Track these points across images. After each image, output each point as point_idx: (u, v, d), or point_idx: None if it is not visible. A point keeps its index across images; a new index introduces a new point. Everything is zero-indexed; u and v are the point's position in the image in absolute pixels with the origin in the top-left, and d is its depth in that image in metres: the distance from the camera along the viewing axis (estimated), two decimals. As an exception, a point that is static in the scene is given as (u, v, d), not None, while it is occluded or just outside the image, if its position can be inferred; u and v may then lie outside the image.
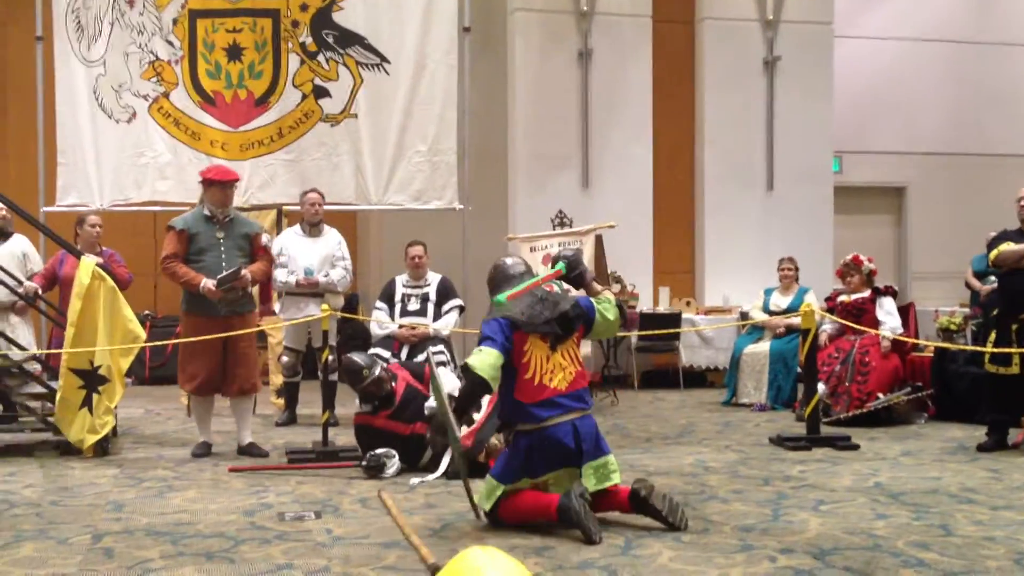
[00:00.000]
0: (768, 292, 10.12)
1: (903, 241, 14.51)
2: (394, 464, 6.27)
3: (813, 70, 12.31)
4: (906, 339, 8.99)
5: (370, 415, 6.53)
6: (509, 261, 5.45)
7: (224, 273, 6.81)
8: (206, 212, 7.04)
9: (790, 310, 9.64)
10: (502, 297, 4.94)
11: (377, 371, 6.47)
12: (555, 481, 4.96)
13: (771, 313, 9.86)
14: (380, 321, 8.50)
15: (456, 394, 6.10)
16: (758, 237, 11.94)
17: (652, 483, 4.95)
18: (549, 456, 4.92)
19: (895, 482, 6.03)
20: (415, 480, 6.09)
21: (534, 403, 4.94)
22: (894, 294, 9.09)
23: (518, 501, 4.93)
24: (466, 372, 4.95)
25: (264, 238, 7.45)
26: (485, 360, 4.88)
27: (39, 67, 9.90)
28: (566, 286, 5.37)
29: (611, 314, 5.24)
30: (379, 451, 6.30)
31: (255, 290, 7.23)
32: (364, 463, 6.25)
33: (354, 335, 11.45)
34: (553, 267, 5.28)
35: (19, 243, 8.66)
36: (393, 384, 6.54)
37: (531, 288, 5.06)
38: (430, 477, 6.13)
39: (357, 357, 6.56)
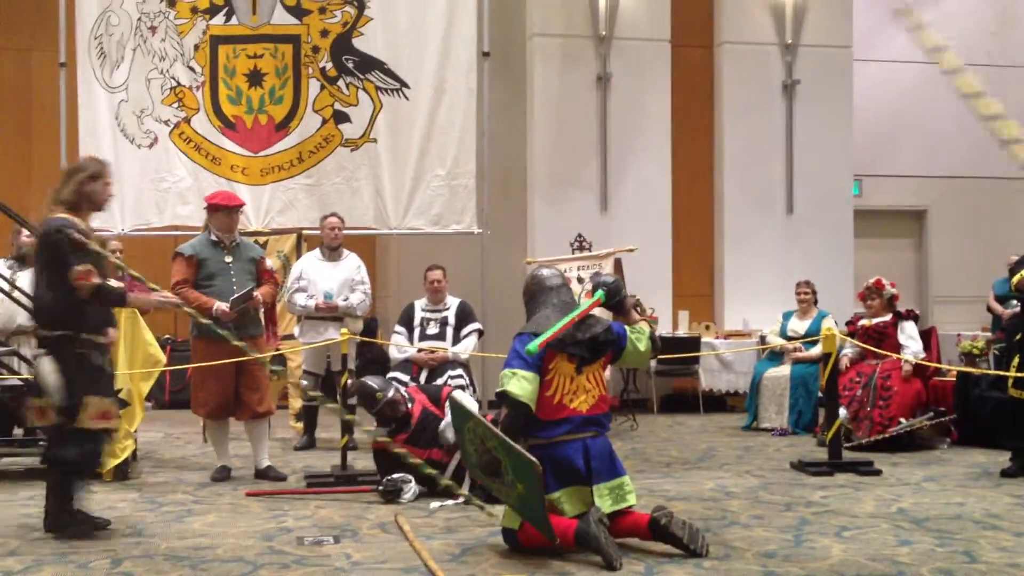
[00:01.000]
0: (786, 316, 10.08)
1: (924, 265, 14.42)
2: (411, 489, 6.25)
3: (832, 94, 12.30)
4: (928, 363, 8.92)
5: (387, 440, 6.52)
6: (546, 272, 5.38)
7: (237, 294, 6.84)
8: (213, 237, 7.09)
9: (808, 335, 9.60)
10: (533, 346, 4.84)
11: (391, 393, 6.47)
12: (566, 499, 4.89)
13: (788, 338, 9.82)
14: (399, 345, 8.50)
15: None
16: (778, 261, 11.90)
17: (671, 510, 4.91)
18: (558, 472, 4.87)
19: (918, 508, 5.97)
20: (435, 504, 6.07)
21: (549, 420, 4.91)
22: (916, 318, 9.03)
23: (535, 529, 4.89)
24: (505, 400, 4.90)
25: (268, 262, 7.49)
26: (524, 386, 4.85)
27: (62, 93, 10.00)
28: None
29: (642, 345, 5.18)
30: (396, 476, 6.28)
31: (260, 314, 7.26)
32: (380, 487, 6.24)
33: (373, 359, 11.46)
34: (592, 295, 5.21)
35: (42, 268, 8.72)
36: (409, 407, 6.53)
37: (566, 327, 4.95)
38: (450, 502, 6.11)
39: (371, 380, 6.56)
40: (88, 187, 5.48)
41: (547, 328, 4.94)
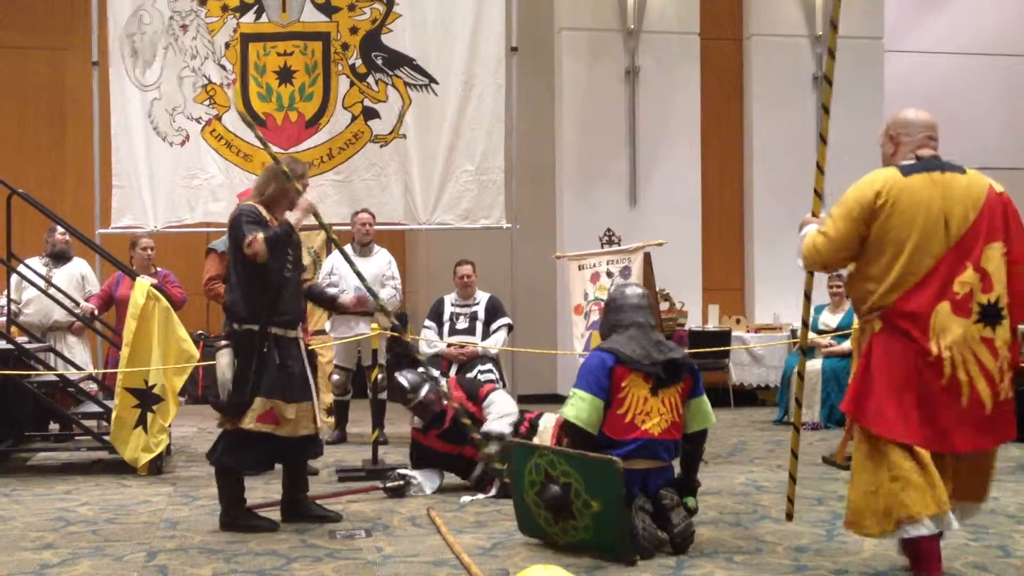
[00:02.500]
0: (818, 310, 10.03)
1: (957, 257, 14.28)
2: (418, 488, 6.26)
3: (863, 86, 12.20)
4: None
5: (421, 433, 6.55)
6: (629, 291, 5.24)
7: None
8: None
9: (840, 328, 9.54)
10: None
11: (423, 394, 6.44)
12: None
13: (820, 332, 9.76)
14: (429, 340, 8.54)
15: (508, 418, 6.13)
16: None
17: (680, 499, 4.89)
18: None
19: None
20: (466, 498, 6.10)
21: (620, 440, 4.81)
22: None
23: None
24: (567, 427, 4.87)
25: None
26: (581, 408, 4.80)
27: (95, 92, 10.09)
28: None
29: (709, 411, 5.15)
30: (404, 471, 6.31)
31: None
32: (386, 483, 6.25)
33: (403, 354, 11.50)
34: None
35: (78, 266, 8.85)
36: (445, 404, 6.51)
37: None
38: (481, 496, 6.13)
39: (405, 378, 6.55)
40: (289, 185, 5.45)
41: (627, 351, 4.87)
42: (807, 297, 5.07)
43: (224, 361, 5.25)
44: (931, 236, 4.02)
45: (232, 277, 5.40)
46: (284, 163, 5.58)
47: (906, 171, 4.16)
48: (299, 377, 5.38)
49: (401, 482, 6.26)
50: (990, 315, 4.01)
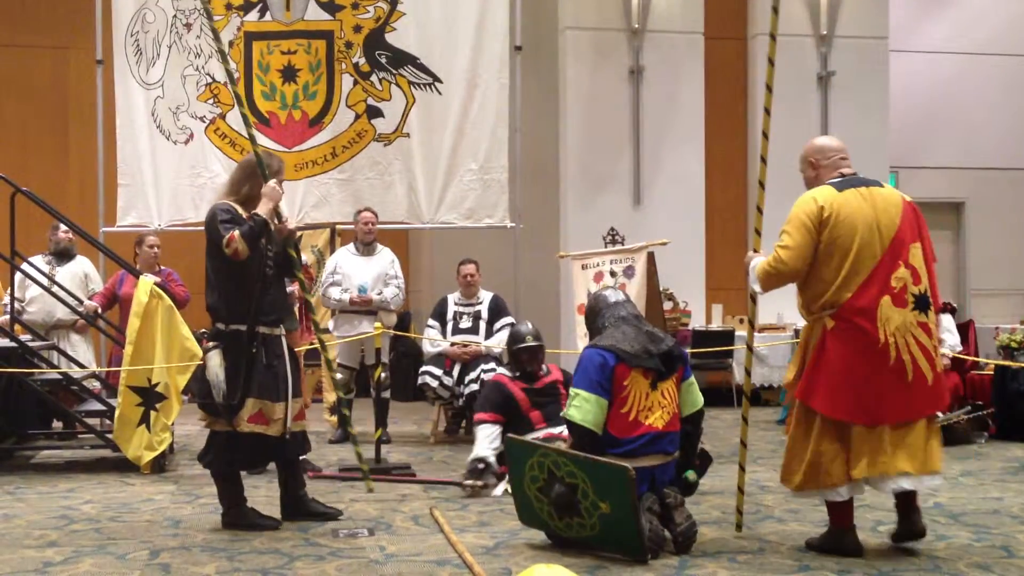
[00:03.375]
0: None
1: (962, 257, 14.27)
2: (497, 486, 6.26)
3: (868, 85, 12.18)
4: (966, 357, 8.84)
5: (510, 379, 6.60)
6: (606, 292, 5.33)
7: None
8: None
9: None
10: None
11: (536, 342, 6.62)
12: None
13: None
14: (432, 339, 8.54)
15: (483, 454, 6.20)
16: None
17: (683, 499, 4.90)
18: None
19: (955, 502, 5.92)
20: (502, 487, 6.13)
21: (626, 438, 4.80)
22: (953, 311, 8.94)
23: None
24: (570, 426, 4.87)
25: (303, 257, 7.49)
26: (585, 409, 4.78)
27: (99, 90, 10.12)
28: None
29: (698, 394, 5.25)
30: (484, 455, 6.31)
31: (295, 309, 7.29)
32: (469, 472, 6.29)
33: (406, 353, 11.51)
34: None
35: (82, 264, 8.85)
36: (543, 373, 6.65)
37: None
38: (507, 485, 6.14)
39: (524, 327, 6.78)
40: (259, 180, 5.39)
41: (628, 348, 4.87)
42: (752, 298, 5.29)
43: (215, 362, 5.18)
44: (869, 241, 4.64)
45: (212, 278, 5.31)
46: (251, 160, 5.51)
47: (839, 187, 4.76)
48: (283, 376, 5.34)
49: (481, 467, 6.27)
50: (922, 303, 4.70)
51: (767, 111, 5.29)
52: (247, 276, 5.25)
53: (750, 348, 5.37)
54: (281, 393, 5.30)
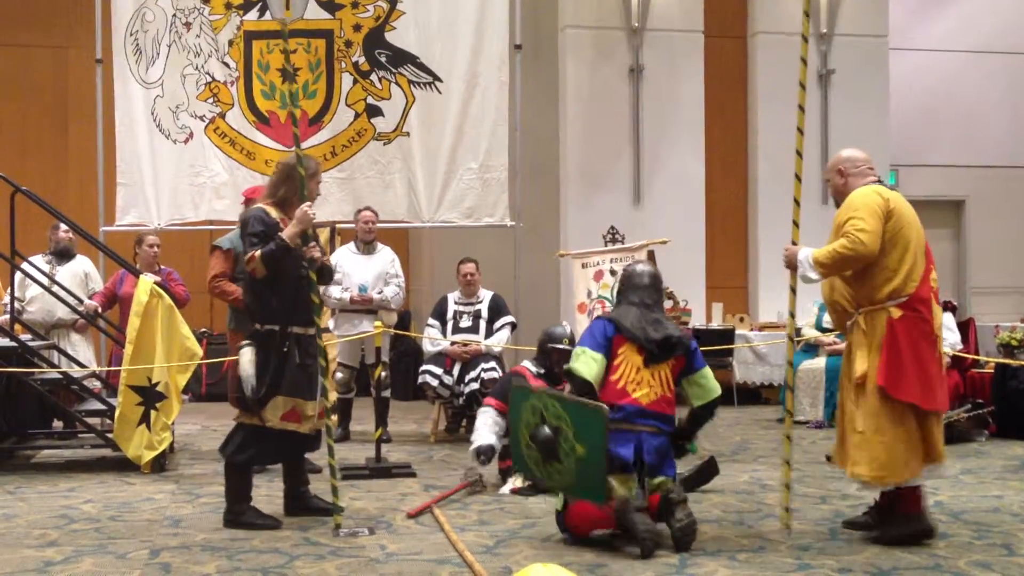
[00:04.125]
0: (822, 308, 9.99)
1: (962, 255, 14.26)
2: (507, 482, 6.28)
3: (868, 83, 12.17)
4: (966, 355, 8.83)
5: (533, 375, 6.60)
6: (639, 269, 5.47)
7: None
8: None
9: None
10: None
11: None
12: (613, 484, 4.88)
13: (824, 330, 9.74)
14: (432, 338, 8.54)
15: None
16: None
17: (686, 496, 4.92)
18: (608, 458, 4.83)
19: (956, 501, 5.92)
20: (508, 486, 6.17)
21: (610, 403, 4.94)
22: (953, 309, 8.95)
23: (581, 508, 4.93)
24: (570, 376, 5.07)
25: None
26: (591, 366, 5.01)
27: (99, 89, 10.11)
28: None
29: (714, 384, 5.30)
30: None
31: None
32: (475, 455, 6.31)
33: (406, 352, 11.52)
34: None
35: (81, 264, 8.85)
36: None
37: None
38: (516, 482, 6.14)
39: (562, 328, 6.84)
40: (295, 184, 5.43)
41: (627, 323, 5.10)
42: (793, 291, 5.32)
43: (246, 358, 5.30)
44: (918, 239, 4.95)
45: (249, 278, 5.41)
46: (290, 162, 5.55)
47: (889, 187, 5.06)
48: (315, 375, 5.45)
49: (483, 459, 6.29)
50: (941, 304, 5.11)
51: (801, 108, 5.56)
52: (281, 278, 5.34)
53: (791, 339, 5.40)
54: (314, 391, 5.42)
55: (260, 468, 6.51)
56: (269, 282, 5.33)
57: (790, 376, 5.28)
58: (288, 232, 5.29)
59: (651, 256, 9.49)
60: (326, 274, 5.69)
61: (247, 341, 5.38)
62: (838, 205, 5.18)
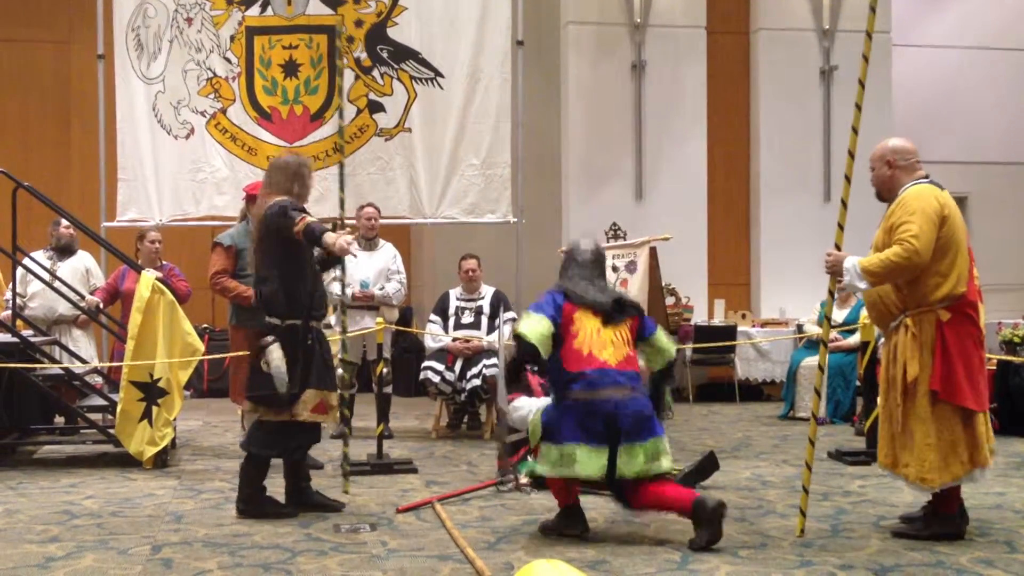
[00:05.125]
0: (824, 305, 9.99)
1: (965, 252, 14.22)
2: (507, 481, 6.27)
3: (871, 80, 11.92)
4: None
5: (528, 369, 6.58)
6: (582, 245, 5.42)
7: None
8: (251, 227, 7.09)
9: (846, 323, 9.51)
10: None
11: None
12: (582, 455, 4.81)
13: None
14: (434, 334, 8.53)
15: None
16: (815, 248, 11.70)
17: (724, 501, 4.82)
18: (582, 428, 4.84)
19: (958, 498, 5.90)
20: (507, 477, 6.17)
21: (580, 371, 4.90)
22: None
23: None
24: (517, 339, 5.02)
25: None
26: (535, 327, 4.95)
27: (100, 85, 10.10)
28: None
29: (669, 344, 5.31)
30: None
31: None
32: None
33: (408, 348, 11.51)
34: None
35: (83, 259, 8.85)
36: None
37: None
38: (521, 477, 6.14)
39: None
40: (311, 183, 5.68)
41: (576, 289, 5.11)
42: (831, 293, 5.20)
43: (277, 355, 5.33)
44: (965, 239, 4.95)
45: (273, 273, 5.45)
46: (300, 159, 5.73)
47: (940, 187, 4.99)
48: (333, 366, 5.62)
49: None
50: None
51: (858, 107, 5.27)
52: (304, 272, 5.46)
53: (824, 344, 5.22)
54: (336, 383, 5.63)
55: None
56: (297, 277, 5.42)
57: (818, 380, 5.19)
58: (329, 239, 5.30)
59: (653, 252, 9.50)
60: (331, 264, 5.86)
61: (271, 337, 5.39)
62: (879, 196, 5.11)
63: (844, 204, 5.03)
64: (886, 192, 5.06)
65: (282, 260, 5.44)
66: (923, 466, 4.80)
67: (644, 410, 4.92)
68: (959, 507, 4.95)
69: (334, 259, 5.73)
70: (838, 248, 5.03)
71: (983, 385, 4.89)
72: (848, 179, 5.04)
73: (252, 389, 5.49)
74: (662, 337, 5.29)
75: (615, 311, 5.09)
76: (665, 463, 4.92)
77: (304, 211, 5.43)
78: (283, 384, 5.31)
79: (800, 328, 10.41)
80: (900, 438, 4.88)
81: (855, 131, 5.05)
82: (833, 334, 9.63)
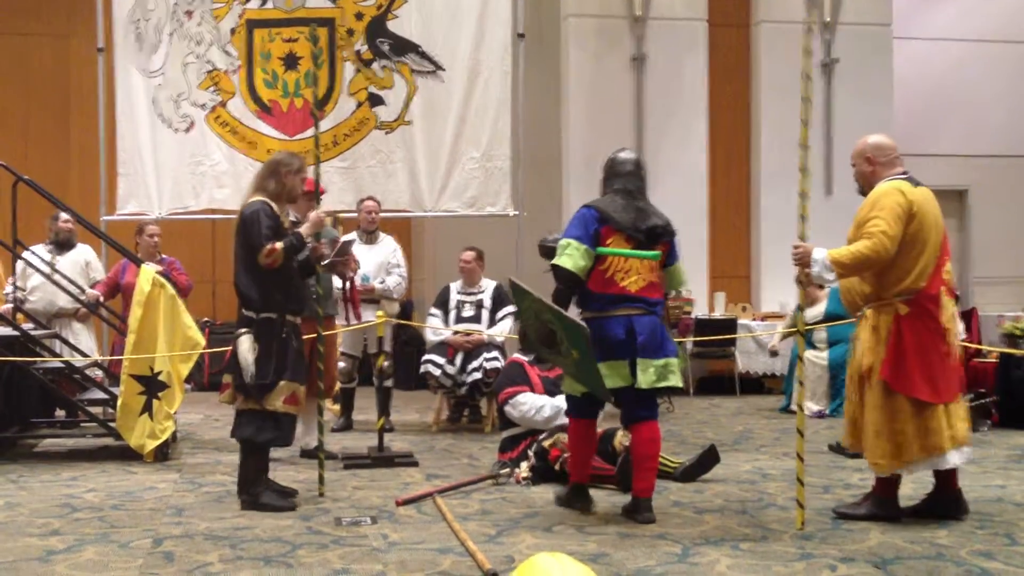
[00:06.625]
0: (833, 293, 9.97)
1: (965, 245, 14.24)
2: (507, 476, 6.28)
3: (872, 72, 12.15)
4: (969, 345, 8.81)
5: (528, 363, 6.68)
6: (622, 156, 5.62)
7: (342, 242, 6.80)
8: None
9: (828, 317, 9.44)
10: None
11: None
12: (607, 371, 5.09)
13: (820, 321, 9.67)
14: (435, 328, 8.53)
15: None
16: (816, 241, 11.69)
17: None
18: (602, 345, 5.09)
19: (958, 490, 5.91)
20: (504, 471, 6.19)
21: (600, 293, 5.19)
22: (956, 299, 8.91)
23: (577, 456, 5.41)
24: (556, 271, 5.21)
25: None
26: (575, 259, 5.16)
27: (100, 78, 10.09)
28: None
29: (684, 276, 5.61)
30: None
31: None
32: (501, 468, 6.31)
33: (409, 341, 11.51)
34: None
35: (83, 252, 8.85)
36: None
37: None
38: (521, 472, 6.14)
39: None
40: (289, 180, 5.67)
41: (614, 214, 5.26)
42: (799, 283, 5.23)
43: (245, 346, 5.43)
44: (937, 235, 5.06)
45: (248, 269, 5.53)
46: (281, 157, 5.78)
47: (913, 184, 5.13)
48: (305, 361, 5.72)
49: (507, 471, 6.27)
50: (954, 294, 5.20)
51: (805, 99, 5.44)
52: (283, 269, 5.53)
53: (800, 334, 5.40)
54: (305, 376, 5.71)
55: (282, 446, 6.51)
56: (274, 273, 5.49)
57: (800, 370, 5.24)
58: (305, 229, 5.63)
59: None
60: (311, 271, 5.94)
61: (244, 329, 5.49)
62: (862, 192, 5.28)
63: (803, 196, 5.18)
64: (867, 187, 5.21)
65: (253, 255, 5.50)
66: (875, 452, 5.02)
67: (657, 330, 5.20)
68: (895, 494, 5.17)
69: (341, 251, 5.95)
70: (802, 240, 5.14)
71: (945, 377, 4.97)
72: (803, 171, 5.20)
73: (234, 379, 5.56)
74: (682, 268, 5.54)
75: (648, 240, 5.28)
76: (673, 379, 5.22)
77: (277, 226, 5.51)
78: (249, 374, 5.39)
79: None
80: (859, 423, 5.12)
81: (804, 124, 5.26)
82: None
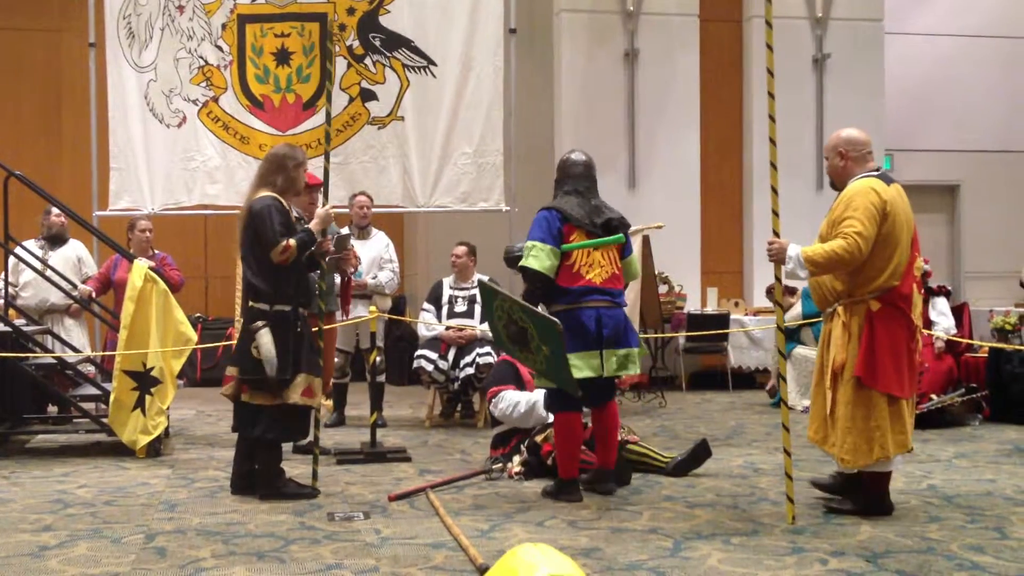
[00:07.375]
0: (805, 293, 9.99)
1: (956, 240, 14.29)
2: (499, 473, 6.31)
3: (864, 68, 12.16)
4: (960, 339, 8.85)
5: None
6: (574, 157, 5.88)
7: (339, 236, 6.88)
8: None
9: (807, 317, 9.47)
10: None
11: None
12: (578, 361, 5.41)
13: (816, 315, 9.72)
14: (427, 323, 8.53)
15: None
16: (809, 237, 11.74)
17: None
18: (573, 337, 5.39)
19: (949, 484, 5.94)
20: (496, 466, 6.22)
21: (568, 287, 5.51)
22: (947, 294, 8.95)
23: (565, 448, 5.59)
24: (525, 272, 5.50)
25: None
26: (542, 259, 5.48)
27: (92, 73, 10.07)
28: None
29: (637, 268, 6.10)
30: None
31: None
32: (491, 464, 6.33)
33: (401, 336, 11.52)
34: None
35: (74, 248, 8.83)
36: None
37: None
38: (514, 467, 6.14)
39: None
40: (296, 174, 5.71)
41: (572, 212, 5.59)
42: (778, 279, 5.24)
43: (267, 339, 5.43)
44: (908, 233, 5.07)
45: (256, 262, 5.54)
46: (285, 151, 5.78)
47: (886, 181, 5.12)
48: (317, 353, 5.76)
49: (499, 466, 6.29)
50: (924, 287, 5.29)
51: (771, 95, 5.17)
52: (293, 263, 5.56)
53: (780, 329, 5.27)
54: (319, 368, 5.74)
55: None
56: (283, 267, 5.51)
57: (783, 366, 5.27)
58: (315, 225, 5.67)
59: (646, 241, 9.52)
60: (316, 265, 5.96)
61: (261, 323, 5.48)
62: (834, 186, 5.31)
63: (774, 191, 5.16)
64: (839, 182, 5.25)
65: (265, 250, 5.51)
66: (844, 447, 5.05)
67: (621, 323, 5.57)
68: (887, 488, 5.21)
69: (340, 245, 6.05)
70: (776, 235, 5.17)
71: (911, 374, 5.04)
72: (774, 165, 5.16)
73: (244, 373, 5.55)
74: (634, 260, 5.93)
75: (605, 233, 5.63)
76: (632, 368, 5.63)
77: (288, 222, 5.53)
78: (273, 368, 5.40)
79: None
80: (829, 419, 5.13)
81: (772, 119, 5.13)
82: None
